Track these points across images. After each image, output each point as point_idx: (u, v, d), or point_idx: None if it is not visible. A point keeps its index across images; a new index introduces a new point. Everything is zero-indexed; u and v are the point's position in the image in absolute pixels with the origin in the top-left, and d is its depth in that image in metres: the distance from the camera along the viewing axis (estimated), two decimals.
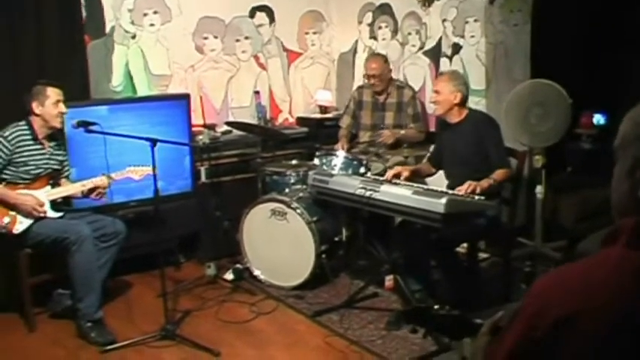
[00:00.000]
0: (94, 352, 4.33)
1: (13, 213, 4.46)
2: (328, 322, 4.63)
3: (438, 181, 4.95)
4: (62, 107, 4.63)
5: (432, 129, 5.91)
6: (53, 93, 4.60)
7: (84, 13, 5.70)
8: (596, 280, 1.34)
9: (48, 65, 5.35)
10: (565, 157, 5.92)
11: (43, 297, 4.83)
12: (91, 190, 4.69)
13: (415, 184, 4.48)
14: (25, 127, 4.59)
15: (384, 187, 4.35)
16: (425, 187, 4.47)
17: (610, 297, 1.30)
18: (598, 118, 5.91)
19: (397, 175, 4.68)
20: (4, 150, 4.49)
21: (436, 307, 4.16)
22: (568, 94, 5.21)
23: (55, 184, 4.72)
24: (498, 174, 4.45)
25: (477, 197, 4.16)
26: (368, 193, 4.36)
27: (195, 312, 4.90)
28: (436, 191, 4.26)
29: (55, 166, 4.75)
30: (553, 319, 1.31)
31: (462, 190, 4.25)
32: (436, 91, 4.66)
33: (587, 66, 5.85)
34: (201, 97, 6.36)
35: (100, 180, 4.67)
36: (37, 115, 4.59)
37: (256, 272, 5.38)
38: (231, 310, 4.94)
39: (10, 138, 4.51)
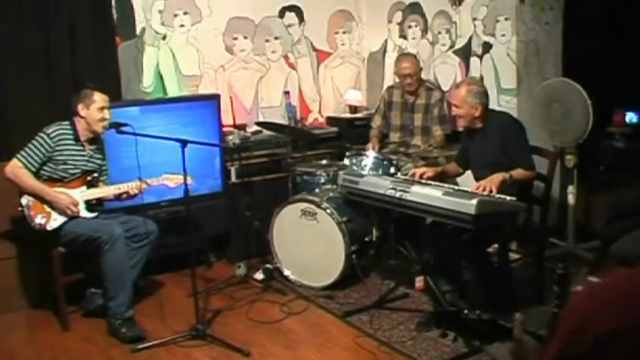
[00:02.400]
0: (125, 351, 4.37)
1: (48, 210, 4.53)
2: (358, 322, 4.63)
3: (470, 180, 4.92)
4: (106, 114, 4.70)
5: (460, 128, 5.88)
6: (100, 98, 4.67)
7: (115, 15, 5.76)
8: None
9: (80, 67, 5.45)
10: (598, 156, 5.86)
11: (77, 296, 4.89)
12: (123, 193, 4.74)
13: (446, 185, 4.46)
14: (69, 127, 4.67)
15: (415, 188, 4.33)
16: (456, 187, 4.44)
17: None
18: (630, 117, 5.85)
19: (421, 175, 4.68)
20: (46, 146, 4.57)
21: (466, 311, 4.14)
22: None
23: (92, 186, 4.77)
24: (518, 172, 4.43)
25: (508, 198, 4.14)
26: (398, 194, 4.34)
27: (226, 312, 4.91)
28: (467, 192, 4.23)
29: (93, 168, 4.80)
30: (594, 334, 1.27)
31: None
32: (456, 106, 4.63)
33: (620, 64, 5.79)
34: (231, 98, 6.38)
35: (135, 185, 4.71)
36: (81, 117, 4.67)
37: (286, 272, 5.38)
38: (262, 309, 4.95)
39: (52, 135, 4.59)
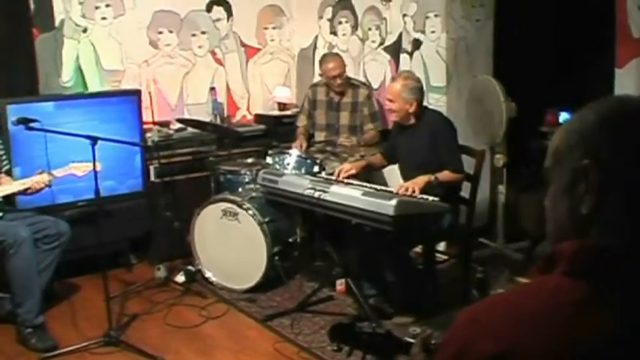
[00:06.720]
0: (33, 359, 4.16)
1: None
2: (279, 326, 4.49)
3: (397, 176, 4.83)
4: None
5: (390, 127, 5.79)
6: None
7: (32, 6, 5.52)
8: (527, 312, 1.14)
9: None
10: (529, 156, 5.82)
11: None
12: (28, 189, 4.50)
13: (367, 185, 4.34)
14: None
15: (334, 188, 4.20)
16: (377, 187, 4.32)
17: (542, 333, 1.10)
18: (564, 117, 5.81)
19: (345, 172, 4.55)
20: None
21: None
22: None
23: None
24: (444, 174, 4.32)
25: (430, 198, 4.04)
26: (317, 194, 4.21)
27: (143, 316, 4.74)
28: (387, 192, 4.12)
29: None
30: (476, 358, 1.13)
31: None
32: (390, 100, 4.49)
33: (552, 63, 5.77)
34: (150, 93, 6.13)
35: (41, 177, 4.47)
36: None
37: (208, 274, 5.21)
38: (180, 314, 4.79)
39: None
